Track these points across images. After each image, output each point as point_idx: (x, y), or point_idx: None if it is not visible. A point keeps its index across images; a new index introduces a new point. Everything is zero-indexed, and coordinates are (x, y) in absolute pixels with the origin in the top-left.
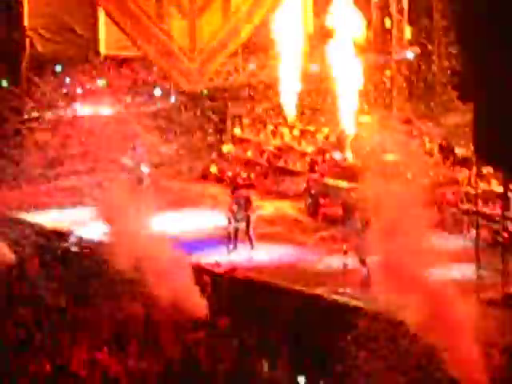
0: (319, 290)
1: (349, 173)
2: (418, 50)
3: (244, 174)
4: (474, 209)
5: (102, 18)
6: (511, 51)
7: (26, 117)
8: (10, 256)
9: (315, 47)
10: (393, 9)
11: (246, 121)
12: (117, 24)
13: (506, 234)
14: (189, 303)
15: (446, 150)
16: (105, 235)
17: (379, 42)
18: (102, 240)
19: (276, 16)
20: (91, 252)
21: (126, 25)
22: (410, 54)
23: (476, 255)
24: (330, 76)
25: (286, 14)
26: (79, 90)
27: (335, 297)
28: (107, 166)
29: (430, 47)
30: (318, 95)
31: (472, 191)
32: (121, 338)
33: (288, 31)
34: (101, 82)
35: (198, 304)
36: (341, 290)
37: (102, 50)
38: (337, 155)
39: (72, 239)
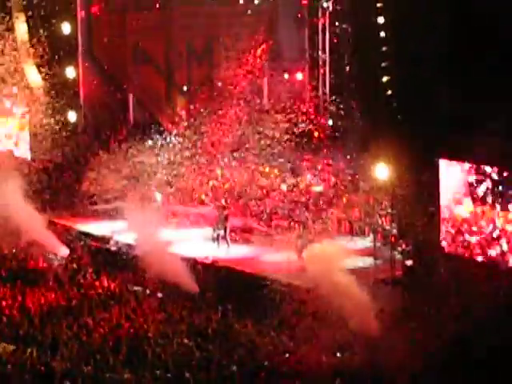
0: (273, 275)
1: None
2: None
3: (223, 199)
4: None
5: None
6: None
7: None
8: (64, 251)
9: None
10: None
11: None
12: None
13: (392, 238)
14: (185, 283)
15: None
16: (132, 240)
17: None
18: (130, 243)
19: None
20: (125, 251)
21: (146, 103)
22: None
23: (374, 251)
24: None
25: None
26: None
27: (280, 277)
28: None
29: None
30: None
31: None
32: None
33: None
34: None
35: (192, 284)
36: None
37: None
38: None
39: (112, 242)
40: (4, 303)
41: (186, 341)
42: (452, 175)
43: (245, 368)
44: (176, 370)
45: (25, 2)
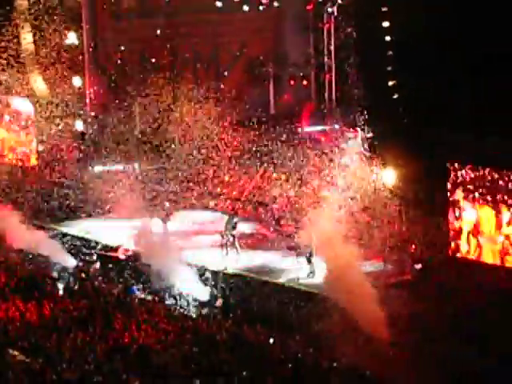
0: (281, 280)
1: None
2: None
3: (230, 206)
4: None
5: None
6: None
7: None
8: (71, 261)
9: None
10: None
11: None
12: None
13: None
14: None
15: None
16: (141, 248)
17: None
18: (139, 251)
19: None
20: (133, 258)
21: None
22: None
23: (383, 254)
24: None
25: None
26: None
27: (291, 284)
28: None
29: None
30: None
31: None
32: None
33: None
34: None
35: (201, 291)
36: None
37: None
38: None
39: (121, 250)
40: (13, 313)
41: (194, 349)
42: (461, 179)
43: (256, 375)
44: (184, 378)
45: (30, 12)
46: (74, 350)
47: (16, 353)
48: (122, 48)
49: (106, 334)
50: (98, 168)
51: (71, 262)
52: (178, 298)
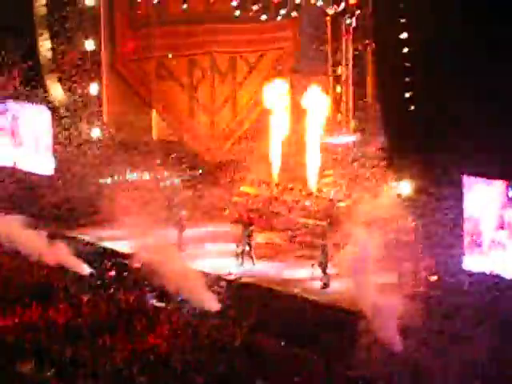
0: (295, 290)
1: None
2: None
3: (246, 215)
4: None
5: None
6: None
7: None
8: (86, 269)
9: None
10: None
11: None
12: (163, 119)
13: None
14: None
15: None
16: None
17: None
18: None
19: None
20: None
21: (169, 120)
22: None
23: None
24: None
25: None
26: None
27: (305, 295)
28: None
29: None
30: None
31: None
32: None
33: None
34: None
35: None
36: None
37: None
38: (307, 203)
39: (135, 259)
40: (27, 320)
41: (209, 356)
42: (476, 191)
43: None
44: None
45: (49, 19)
46: (91, 359)
47: (27, 365)
48: (140, 56)
49: (123, 341)
50: (113, 176)
51: (86, 270)
52: (192, 306)
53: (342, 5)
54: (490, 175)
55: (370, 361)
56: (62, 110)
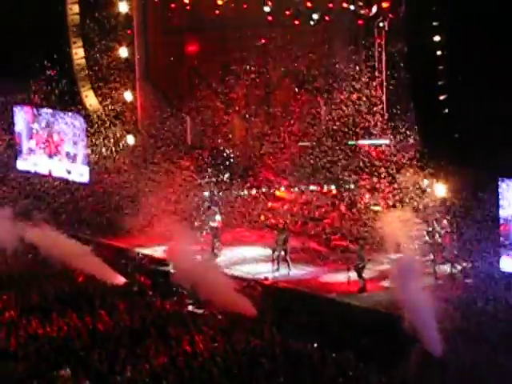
0: (331, 295)
1: None
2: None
3: (281, 221)
4: None
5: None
6: None
7: None
8: (119, 278)
9: None
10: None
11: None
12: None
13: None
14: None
15: None
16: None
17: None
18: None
19: None
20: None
21: (203, 125)
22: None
23: (433, 269)
24: None
25: None
26: None
27: (341, 298)
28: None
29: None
30: None
31: None
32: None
33: None
34: None
35: (249, 307)
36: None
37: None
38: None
39: (171, 265)
40: (65, 328)
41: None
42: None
43: None
44: None
45: (82, 27)
46: (127, 366)
47: (65, 373)
48: (173, 62)
49: (160, 347)
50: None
51: (121, 277)
52: (226, 311)
53: (375, 8)
54: None
55: (409, 365)
56: (95, 118)
